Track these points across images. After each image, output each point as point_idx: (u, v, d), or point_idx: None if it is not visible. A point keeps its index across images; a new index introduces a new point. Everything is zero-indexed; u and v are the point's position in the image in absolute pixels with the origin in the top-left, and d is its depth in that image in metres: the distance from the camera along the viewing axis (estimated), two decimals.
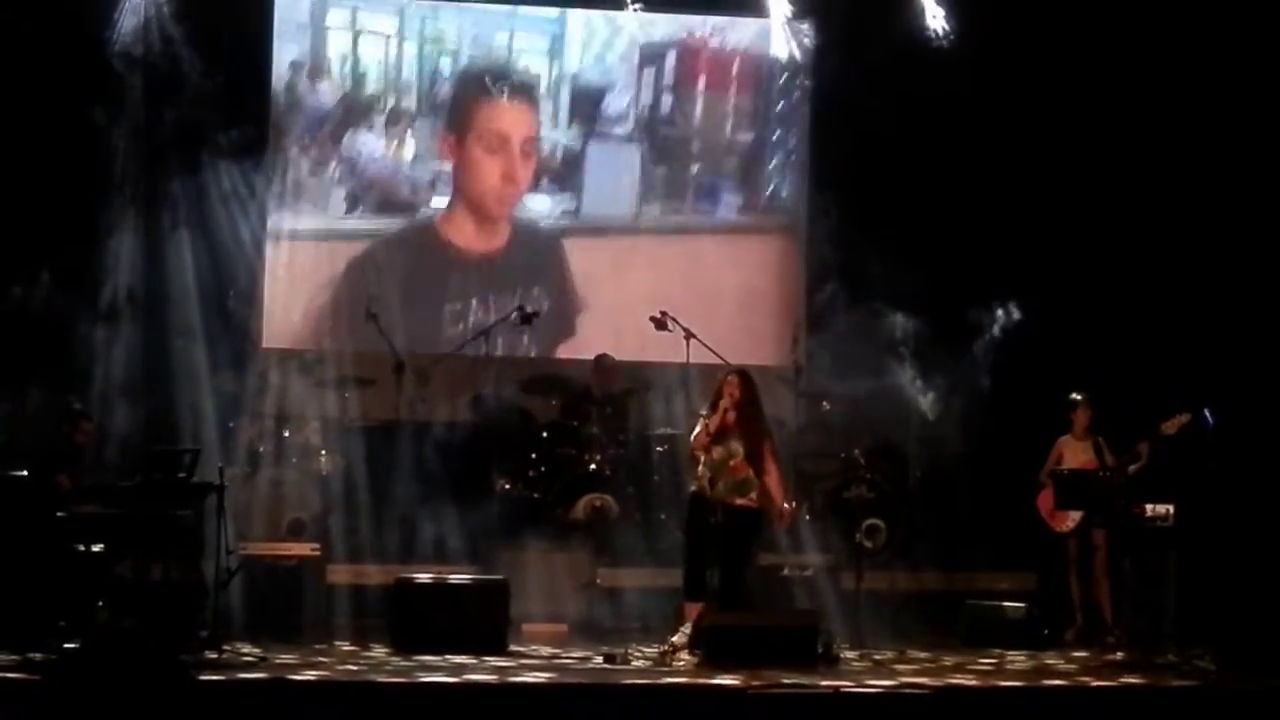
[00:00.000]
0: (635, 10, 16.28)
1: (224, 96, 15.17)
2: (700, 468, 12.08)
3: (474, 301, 16.35)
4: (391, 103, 16.49)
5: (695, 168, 16.85)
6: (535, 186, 16.67)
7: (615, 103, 16.75)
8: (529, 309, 15.42)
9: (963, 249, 15.69)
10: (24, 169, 14.63)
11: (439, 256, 16.47)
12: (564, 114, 16.73)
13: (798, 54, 16.66)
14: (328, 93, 16.36)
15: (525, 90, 16.65)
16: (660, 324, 14.79)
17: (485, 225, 16.60)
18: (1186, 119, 15.26)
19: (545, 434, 14.94)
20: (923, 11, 15.89)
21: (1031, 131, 15.61)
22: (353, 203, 16.34)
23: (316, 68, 16.29)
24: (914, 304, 15.30)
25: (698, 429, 12.13)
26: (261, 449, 14.24)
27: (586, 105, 16.70)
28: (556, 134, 16.66)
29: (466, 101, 16.56)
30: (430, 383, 15.02)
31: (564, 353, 16.43)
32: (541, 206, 16.66)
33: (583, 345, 16.24)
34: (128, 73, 15.10)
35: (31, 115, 14.69)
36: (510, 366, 15.64)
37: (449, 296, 16.38)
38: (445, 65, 16.56)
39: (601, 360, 15.36)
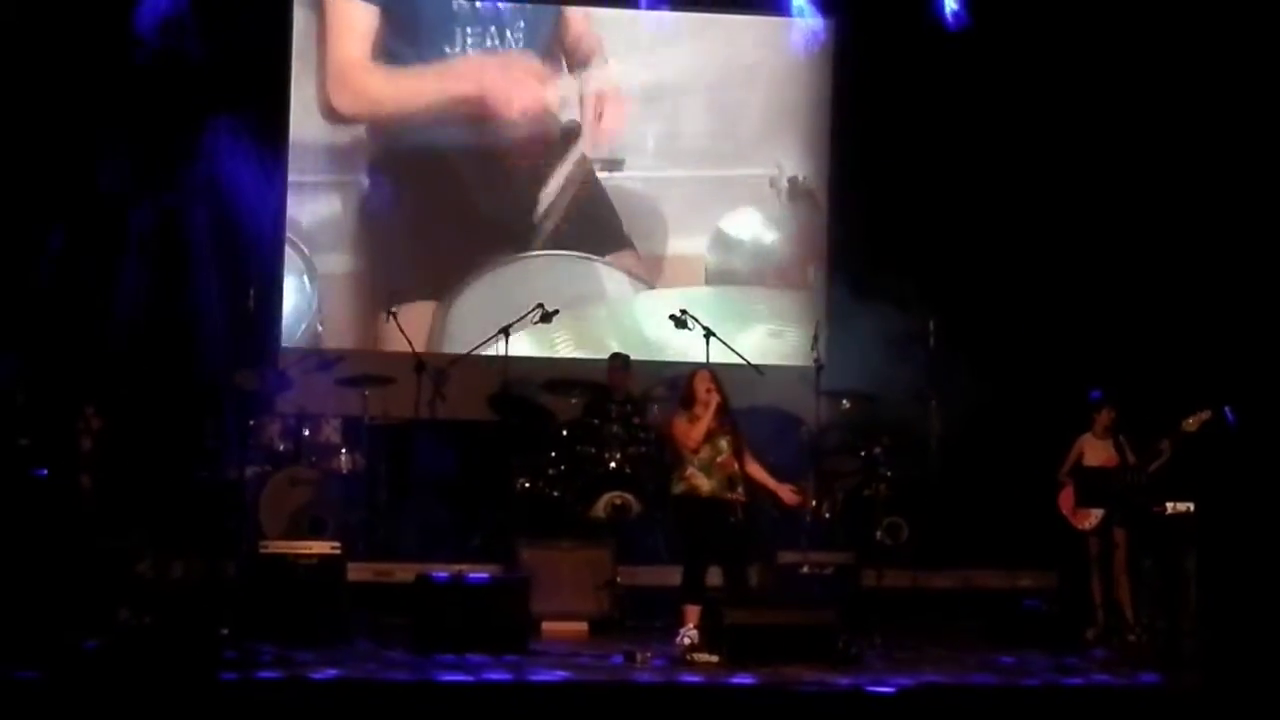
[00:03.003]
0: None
1: (240, 83, 15.18)
2: (688, 468, 12.12)
3: None
4: None
5: None
6: None
7: None
8: (549, 308, 15.34)
9: (984, 244, 15.68)
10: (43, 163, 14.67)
11: None
12: None
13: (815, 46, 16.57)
14: None
15: None
16: (680, 323, 14.75)
17: None
18: (1215, 111, 15.20)
19: (565, 432, 14.91)
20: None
21: (1053, 123, 15.61)
22: None
23: None
24: (934, 301, 15.26)
25: (683, 429, 12.12)
26: (281, 447, 14.27)
27: None
28: None
29: None
30: (449, 381, 15.00)
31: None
32: None
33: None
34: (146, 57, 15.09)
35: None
36: (530, 365, 15.58)
37: None
38: None
39: (616, 360, 15.30)
